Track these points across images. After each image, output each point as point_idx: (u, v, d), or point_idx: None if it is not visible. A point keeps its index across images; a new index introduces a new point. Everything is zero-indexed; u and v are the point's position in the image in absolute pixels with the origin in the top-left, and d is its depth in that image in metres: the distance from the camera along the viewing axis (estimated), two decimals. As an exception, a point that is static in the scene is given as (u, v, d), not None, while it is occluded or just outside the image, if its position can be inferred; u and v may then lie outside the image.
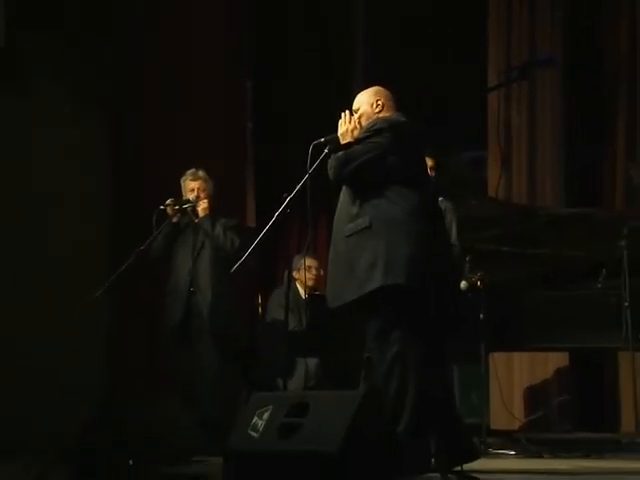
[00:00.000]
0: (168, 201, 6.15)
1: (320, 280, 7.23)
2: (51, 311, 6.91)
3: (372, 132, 4.53)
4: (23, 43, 7.32)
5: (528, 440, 6.79)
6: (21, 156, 7.26)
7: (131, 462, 4.87)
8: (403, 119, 4.64)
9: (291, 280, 6.92)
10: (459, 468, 4.38)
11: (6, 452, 5.53)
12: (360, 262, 4.43)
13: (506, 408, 7.51)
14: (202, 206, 6.20)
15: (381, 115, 4.64)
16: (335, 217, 4.68)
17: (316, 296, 6.96)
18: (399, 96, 4.78)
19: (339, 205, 4.66)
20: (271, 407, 4.24)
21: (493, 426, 7.00)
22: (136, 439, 5.12)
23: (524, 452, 6.14)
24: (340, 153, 4.54)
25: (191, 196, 6.23)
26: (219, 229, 6.16)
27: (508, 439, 6.69)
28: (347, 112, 4.66)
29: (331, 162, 4.54)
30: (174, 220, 6.18)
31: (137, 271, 5.96)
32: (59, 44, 7.47)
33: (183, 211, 6.19)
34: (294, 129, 8.33)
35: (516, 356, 7.84)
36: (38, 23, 7.39)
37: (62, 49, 7.48)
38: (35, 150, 7.29)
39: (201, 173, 6.31)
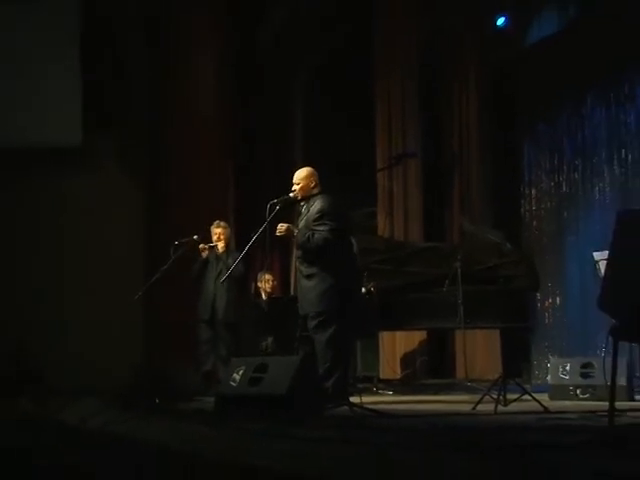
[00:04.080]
0: (195, 236, 6.08)
1: (274, 288, 7.14)
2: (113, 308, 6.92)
3: (330, 217, 4.45)
4: (93, 140, 7.29)
5: (402, 384, 6.96)
6: (87, 214, 7.28)
7: (157, 400, 4.90)
8: (334, 198, 4.55)
9: (257, 288, 6.98)
10: (359, 401, 4.34)
11: (75, 393, 5.47)
12: (315, 291, 4.46)
13: (389, 366, 7.56)
14: (220, 245, 6.13)
15: (314, 190, 4.56)
16: (295, 250, 4.65)
17: (272, 298, 6.87)
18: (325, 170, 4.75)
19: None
20: (244, 366, 4.27)
21: (382, 376, 7.07)
22: (161, 386, 5.14)
23: (399, 391, 6.29)
24: (319, 241, 4.39)
25: (214, 238, 6.17)
26: (230, 260, 6.02)
27: (390, 384, 6.84)
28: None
29: (313, 245, 4.41)
30: (204, 255, 6.12)
31: (164, 282, 5.89)
32: (116, 139, 7.42)
33: (210, 248, 6.12)
34: (260, 193, 8.06)
35: (397, 334, 7.80)
36: (103, 125, 7.36)
37: (118, 143, 7.43)
38: (97, 211, 7.27)
39: (222, 223, 6.23)
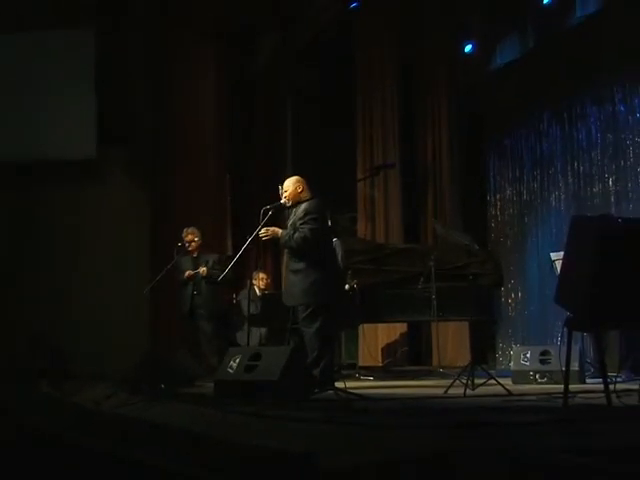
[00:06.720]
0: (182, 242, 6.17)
1: (268, 285, 7.09)
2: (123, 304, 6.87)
3: (314, 217, 4.41)
4: (104, 153, 7.27)
5: (383, 371, 6.92)
6: (100, 218, 7.24)
7: (163, 385, 4.84)
8: (320, 202, 4.53)
9: (251, 285, 6.91)
10: (343, 386, 4.28)
11: (86, 379, 5.46)
12: (299, 285, 4.44)
13: (370, 355, 7.49)
14: (202, 270, 6.08)
15: (302, 195, 4.53)
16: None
17: (266, 294, 6.81)
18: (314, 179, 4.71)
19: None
20: (240, 355, 4.28)
21: (362, 364, 6.97)
22: (165, 372, 5.09)
23: (379, 377, 6.23)
24: (299, 239, 4.35)
25: (187, 244, 6.18)
26: (203, 261, 6.17)
27: (370, 371, 6.73)
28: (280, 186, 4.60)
29: (293, 243, 4.38)
30: (186, 275, 6.12)
31: (167, 279, 5.93)
32: (127, 152, 7.39)
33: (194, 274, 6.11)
34: (254, 200, 7.76)
35: (379, 326, 7.66)
36: (113, 140, 7.31)
37: (128, 156, 7.39)
38: (109, 215, 7.23)
39: (190, 229, 6.23)
